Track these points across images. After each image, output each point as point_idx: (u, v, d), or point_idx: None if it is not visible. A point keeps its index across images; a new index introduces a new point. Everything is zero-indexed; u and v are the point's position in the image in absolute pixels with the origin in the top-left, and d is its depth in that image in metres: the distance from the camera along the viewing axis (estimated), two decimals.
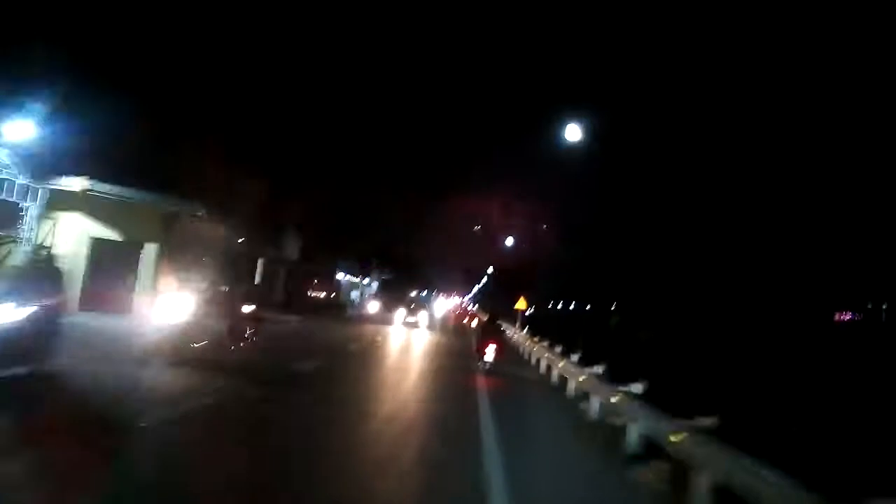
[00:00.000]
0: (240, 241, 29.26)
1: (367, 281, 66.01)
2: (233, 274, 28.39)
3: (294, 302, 35.16)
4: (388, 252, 72.73)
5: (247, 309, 15.92)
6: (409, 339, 27.71)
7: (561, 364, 15.45)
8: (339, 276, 54.83)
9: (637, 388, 9.16)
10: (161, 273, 23.00)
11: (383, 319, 38.54)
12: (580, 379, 12.59)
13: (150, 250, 22.80)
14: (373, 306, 49.73)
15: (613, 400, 9.55)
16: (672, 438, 6.57)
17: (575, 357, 14.88)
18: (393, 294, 54.78)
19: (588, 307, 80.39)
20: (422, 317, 38.86)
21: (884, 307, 55.98)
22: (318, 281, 44.61)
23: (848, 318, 60.62)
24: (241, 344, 14.69)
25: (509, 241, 43.00)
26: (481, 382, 15.22)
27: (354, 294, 60.52)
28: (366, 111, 47.03)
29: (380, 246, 67.17)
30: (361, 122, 44.44)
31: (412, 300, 43.51)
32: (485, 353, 17.80)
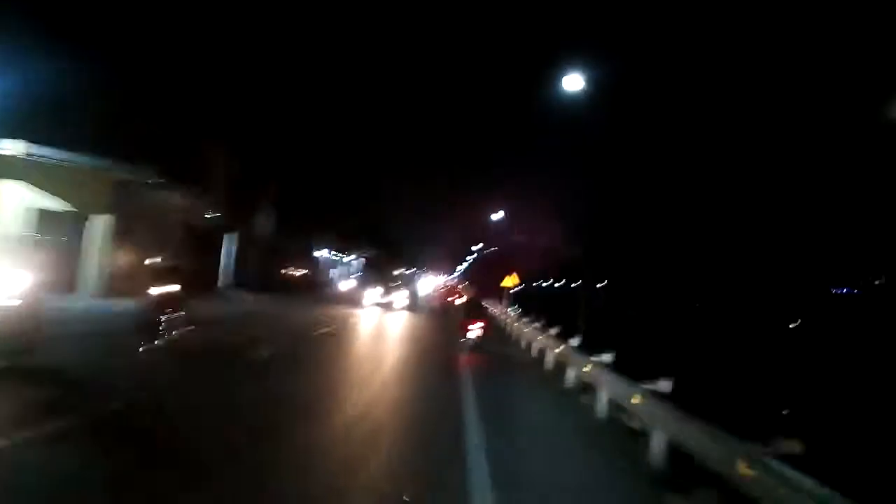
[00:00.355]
0: (206, 214, 27.04)
1: (349, 258, 63.92)
2: (195, 249, 26.21)
3: (268, 281, 33.01)
4: (373, 229, 70.69)
5: (162, 290, 10.78)
6: (387, 322, 25.07)
7: (558, 349, 13.52)
8: (320, 253, 52.69)
9: (664, 386, 7.23)
10: (112, 247, 20.85)
11: (362, 299, 34.40)
12: (584, 369, 10.64)
13: (99, 222, 20.62)
14: (347, 284, 43.85)
15: (635, 401, 7.61)
16: (747, 470, 4.63)
17: (574, 341, 12.96)
18: (376, 271, 52.27)
19: (576, 284, 78.61)
20: (399, 296, 33.11)
21: (877, 282, 55.03)
22: (296, 258, 42.37)
23: (845, 292, 59.64)
24: (156, 341, 10.32)
25: (498, 216, 40.90)
26: (466, 372, 13.28)
27: (336, 272, 58.45)
28: (349, 84, 44.62)
29: (364, 222, 65.07)
30: (344, 95, 42.11)
31: (391, 277, 38.76)
32: (468, 332, 17.37)
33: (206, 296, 24.97)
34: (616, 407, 9.56)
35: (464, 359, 15.37)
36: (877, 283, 55.38)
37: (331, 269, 57.02)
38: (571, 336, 14.71)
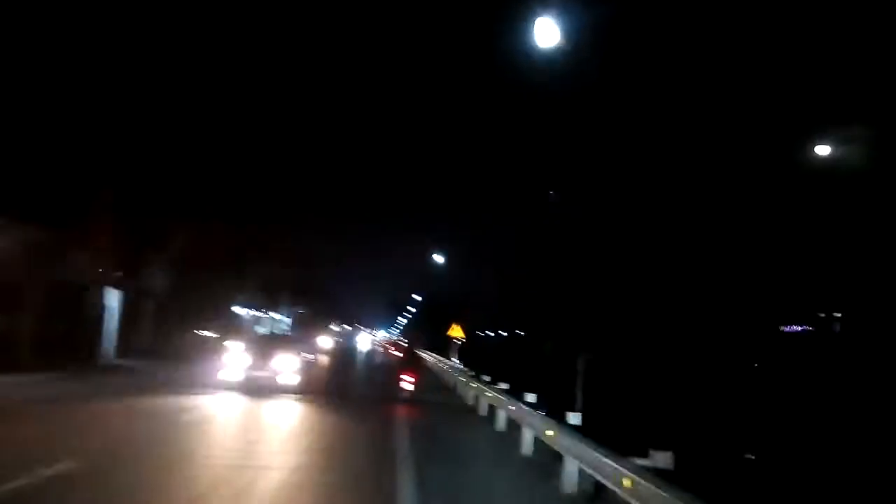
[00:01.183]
0: (77, 265, 21.55)
1: (278, 315, 58.09)
2: (58, 309, 20.60)
3: (164, 345, 27.29)
4: (303, 283, 65.04)
5: None
6: (285, 412, 15.00)
7: (549, 433, 8.74)
8: (243, 311, 46.95)
9: None
10: None
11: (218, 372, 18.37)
12: (624, 483, 5.86)
13: None
14: (232, 347, 20.75)
15: None
16: None
17: (574, 419, 8.30)
18: (305, 329, 46.38)
19: (522, 334, 74.10)
20: (287, 365, 18.20)
21: (837, 317, 52.85)
22: (208, 317, 36.40)
23: (799, 329, 57.25)
24: None
25: (440, 259, 36.94)
26: (405, 465, 8.45)
27: (262, 331, 52.44)
28: (277, 118, 39.90)
29: (294, 276, 59.42)
30: (265, 131, 37.30)
31: (318, 333, 27.23)
32: (402, 382, 18.77)
33: (67, 368, 19.28)
34: None
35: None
36: (837, 315, 53.16)
37: (255, 328, 51.09)
38: (552, 404, 10.37)
